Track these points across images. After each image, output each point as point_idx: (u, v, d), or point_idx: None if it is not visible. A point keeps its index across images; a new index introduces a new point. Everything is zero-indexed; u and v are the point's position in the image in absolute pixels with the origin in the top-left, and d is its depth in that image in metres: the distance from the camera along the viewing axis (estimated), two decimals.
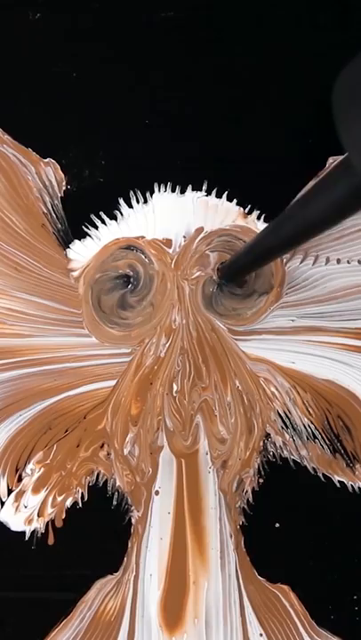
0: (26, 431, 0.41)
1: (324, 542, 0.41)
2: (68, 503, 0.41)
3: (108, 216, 0.43)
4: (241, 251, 0.37)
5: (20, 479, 0.41)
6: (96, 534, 0.41)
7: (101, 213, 0.43)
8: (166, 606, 0.40)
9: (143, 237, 0.43)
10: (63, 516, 0.41)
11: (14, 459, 0.41)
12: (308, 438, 0.41)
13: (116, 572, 0.40)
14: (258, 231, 0.43)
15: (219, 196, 0.43)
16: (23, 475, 0.41)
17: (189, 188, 0.43)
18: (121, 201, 0.43)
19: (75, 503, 0.41)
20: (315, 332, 0.42)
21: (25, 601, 0.40)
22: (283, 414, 0.42)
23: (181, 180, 0.43)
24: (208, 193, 0.43)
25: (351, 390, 0.42)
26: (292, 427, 0.42)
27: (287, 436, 0.41)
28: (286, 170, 0.43)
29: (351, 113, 0.26)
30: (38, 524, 0.41)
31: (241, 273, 0.40)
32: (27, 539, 0.40)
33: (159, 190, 0.43)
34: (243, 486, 0.41)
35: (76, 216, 0.43)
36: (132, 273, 0.43)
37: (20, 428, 0.41)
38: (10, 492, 0.41)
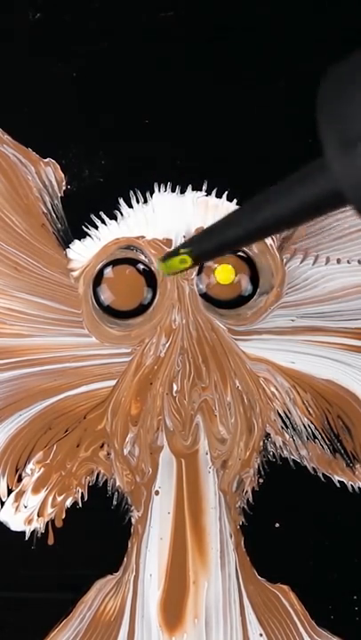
0: (26, 431, 0.41)
1: (325, 542, 0.41)
2: (68, 503, 0.41)
3: (108, 216, 0.43)
4: (212, 230, 0.34)
5: (19, 479, 0.41)
6: (96, 534, 0.41)
7: (101, 213, 0.43)
8: (166, 606, 0.40)
9: (143, 237, 0.43)
10: (63, 516, 0.41)
11: (14, 459, 0.41)
12: (308, 438, 0.41)
13: (116, 572, 0.40)
14: None
15: (219, 196, 0.43)
16: (23, 475, 0.41)
17: (189, 187, 0.43)
18: (121, 201, 0.43)
19: (75, 503, 0.41)
20: (315, 331, 0.42)
21: (25, 601, 0.40)
22: (283, 414, 0.42)
23: (181, 180, 0.43)
24: (208, 193, 0.43)
25: (351, 390, 0.42)
26: (292, 427, 0.42)
27: (287, 436, 0.41)
28: (286, 170, 0.43)
29: (335, 111, 0.26)
30: (38, 524, 0.41)
31: (215, 252, 0.36)
32: (27, 539, 0.40)
33: (159, 190, 0.43)
34: (243, 486, 0.41)
35: (76, 216, 0.43)
36: None
37: (19, 428, 0.41)
38: (10, 491, 0.41)
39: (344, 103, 0.25)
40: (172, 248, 0.34)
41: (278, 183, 0.31)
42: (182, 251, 0.34)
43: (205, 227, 0.42)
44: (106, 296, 0.42)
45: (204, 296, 0.42)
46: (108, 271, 0.42)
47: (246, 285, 0.42)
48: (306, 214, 0.30)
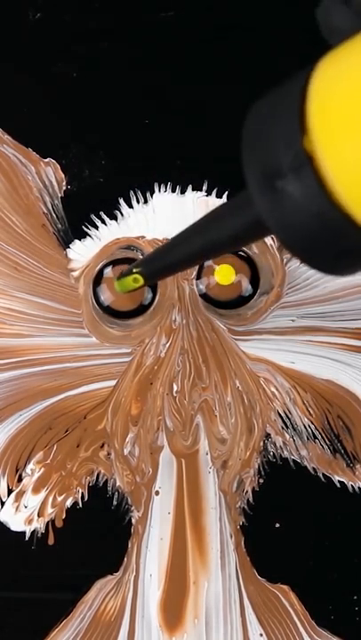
0: (26, 431, 0.41)
1: (325, 542, 0.41)
2: (68, 503, 0.41)
3: (108, 216, 0.43)
4: (161, 251, 0.37)
5: (20, 479, 0.41)
6: (96, 534, 0.41)
7: (101, 213, 0.43)
8: (166, 606, 0.40)
9: (143, 237, 0.43)
10: (63, 516, 0.41)
11: (14, 459, 0.41)
12: (308, 438, 0.41)
13: (116, 572, 0.40)
14: None
15: (219, 196, 0.43)
16: (23, 475, 0.41)
17: (189, 187, 0.43)
18: (121, 201, 0.43)
19: (75, 503, 0.41)
20: (315, 332, 0.42)
21: (25, 601, 0.40)
22: (283, 414, 0.42)
23: (181, 180, 0.43)
24: (208, 193, 0.43)
25: (351, 390, 0.42)
26: (293, 427, 0.42)
27: (287, 436, 0.41)
28: None
29: (256, 148, 0.26)
30: (38, 524, 0.41)
31: (166, 273, 0.39)
32: (27, 539, 0.40)
33: (159, 190, 0.43)
34: (243, 486, 0.41)
35: (76, 216, 0.43)
36: None
37: (20, 428, 0.41)
38: (10, 491, 0.41)
39: (263, 140, 0.26)
40: (127, 268, 0.36)
41: (214, 210, 0.32)
42: (135, 270, 0.36)
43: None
44: (106, 296, 0.42)
45: (204, 296, 0.42)
46: (108, 271, 0.42)
47: (246, 286, 0.42)
48: (238, 241, 0.32)
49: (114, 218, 0.43)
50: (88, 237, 0.43)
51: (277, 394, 0.42)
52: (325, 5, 0.28)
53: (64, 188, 0.44)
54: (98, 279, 0.42)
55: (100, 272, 0.42)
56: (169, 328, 0.42)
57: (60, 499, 0.41)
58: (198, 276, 0.42)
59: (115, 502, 0.41)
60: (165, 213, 0.43)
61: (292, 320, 0.42)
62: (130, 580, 0.40)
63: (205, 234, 0.32)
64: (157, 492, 0.41)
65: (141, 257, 0.42)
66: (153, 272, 0.37)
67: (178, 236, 0.34)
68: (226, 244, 0.32)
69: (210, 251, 0.33)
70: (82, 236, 0.43)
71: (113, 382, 0.42)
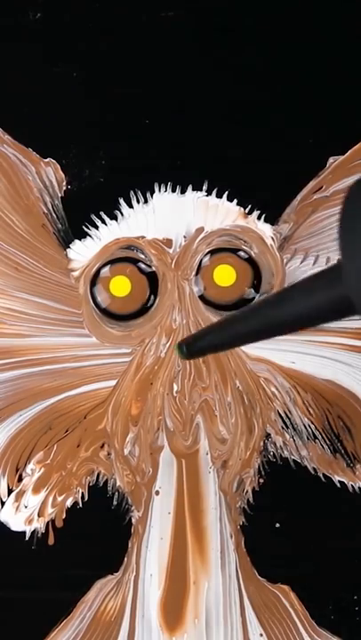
0: (26, 431, 0.41)
1: (325, 542, 0.41)
2: (69, 503, 0.41)
3: (108, 216, 0.43)
4: (210, 329, 0.34)
5: (20, 479, 0.41)
6: (96, 534, 0.41)
7: (101, 213, 0.43)
8: (166, 606, 0.40)
9: (143, 237, 0.43)
10: (63, 516, 0.41)
11: (14, 459, 0.41)
12: (308, 438, 0.41)
13: (116, 572, 0.40)
14: (258, 231, 0.43)
15: (219, 196, 0.43)
16: (23, 475, 0.41)
17: (189, 187, 0.43)
18: (121, 201, 0.43)
19: (75, 503, 0.41)
20: (315, 331, 0.42)
21: (25, 601, 0.40)
22: (283, 414, 0.42)
23: (181, 180, 0.43)
24: (208, 193, 0.43)
25: (351, 390, 0.42)
26: (293, 427, 0.42)
27: (287, 436, 0.41)
28: (286, 170, 0.43)
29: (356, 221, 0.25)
30: (38, 524, 0.41)
31: (207, 351, 0.35)
32: (27, 539, 0.40)
33: (159, 190, 0.43)
34: (243, 486, 0.41)
35: (76, 216, 0.43)
36: None
37: (20, 428, 0.41)
38: (10, 491, 0.41)
39: None
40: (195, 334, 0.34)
41: (291, 287, 0.30)
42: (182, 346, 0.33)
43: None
44: (105, 297, 0.42)
45: (202, 298, 0.42)
46: (106, 271, 0.42)
47: (246, 286, 0.42)
48: (310, 322, 0.30)
49: (114, 218, 0.43)
50: (88, 237, 0.43)
51: (277, 394, 0.42)
52: None
53: (64, 187, 0.44)
54: (97, 279, 0.42)
55: (100, 272, 0.42)
56: (169, 328, 0.42)
57: (60, 499, 0.41)
58: (197, 277, 0.42)
59: (115, 502, 0.41)
60: (165, 213, 0.43)
61: None
62: (130, 580, 0.40)
63: (287, 306, 0.29)
64: (157, 492, 0.41)
65: (143, 257, 0.42)
66: (197, 350, 0.33)
67: (237, 313, 0.32)
68: (305, 319, 0.30)
69: (273, 331, 0.31)
70: (82, 236, 0.43)
71: (113, 382, 0.42)
